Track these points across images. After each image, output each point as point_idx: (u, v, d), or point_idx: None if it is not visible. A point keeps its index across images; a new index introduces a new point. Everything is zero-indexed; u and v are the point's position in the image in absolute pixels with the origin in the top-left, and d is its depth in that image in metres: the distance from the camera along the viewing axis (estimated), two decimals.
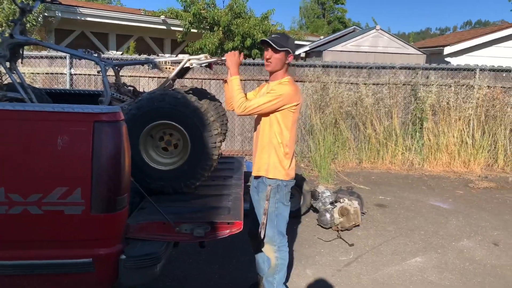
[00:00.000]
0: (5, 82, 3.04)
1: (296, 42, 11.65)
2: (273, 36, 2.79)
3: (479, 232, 4.79)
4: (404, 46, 10.45)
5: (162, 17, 10.38)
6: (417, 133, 7.74)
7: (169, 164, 2.65)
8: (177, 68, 3.05)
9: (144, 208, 2.53)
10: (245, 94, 2.89)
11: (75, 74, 7.36)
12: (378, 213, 5.35)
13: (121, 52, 9.55)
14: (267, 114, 2.74)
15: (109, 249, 2.07)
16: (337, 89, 7.67)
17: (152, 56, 2.93)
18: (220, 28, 9.11)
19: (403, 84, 7.81)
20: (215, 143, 2.60)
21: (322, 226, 4.78)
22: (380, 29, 10.36)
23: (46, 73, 7.27)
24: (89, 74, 7.37)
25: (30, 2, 2.87)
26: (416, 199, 5.98)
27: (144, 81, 7.33)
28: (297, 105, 2.75)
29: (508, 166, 7.58)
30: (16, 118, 1.90)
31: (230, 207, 2.59)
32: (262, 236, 2.82)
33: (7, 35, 2.81)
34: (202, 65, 3.08)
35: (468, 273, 3.82)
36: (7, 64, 2.82)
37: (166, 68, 3.13)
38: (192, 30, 9.68)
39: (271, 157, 2.79)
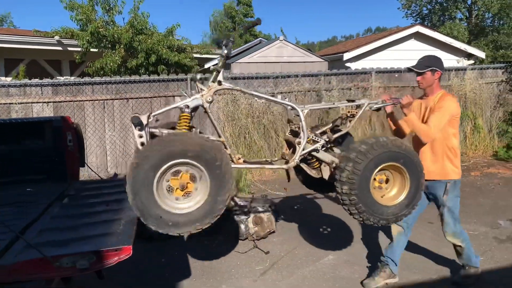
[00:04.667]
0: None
1: (205, 56, 11.61)
2: (418, 61, 3.33)
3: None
4: (307, 55, 10.93)
5: (57, 37, 9.71)
6: None
7: (393, 199, 2.86)
8: (360, 111, 3.12)
9: (18, 246, 2.23)
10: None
11: None
12: (294, 217, 5.41)
13: (10, 78, 8.72)
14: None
15: None
16: (247, 100, 7.73)
17: (339, 103, 3.11)
18: (122, 46, 8.75)
19: (308, 91, 8.11)
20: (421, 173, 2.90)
21: (238, 238, 4.70)
22: (284, 39, 10.74)
23: None
24: None
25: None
26: (331, 200, 6.16)
27: (38, 107, 6.75)
28: (458, 114, 3.31)
29: None
30: None
31: (119, 232, 2.40)
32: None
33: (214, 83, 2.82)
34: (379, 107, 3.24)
35: (375, 261, 3.96)
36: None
37: (349, 112, 3.17)
38: (91, 50, 9.18)
39: (445, 161, 3.30)
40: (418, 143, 3.34)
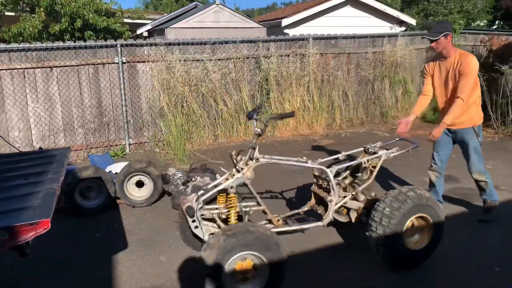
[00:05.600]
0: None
1: (138, 21, 10.97)
2: (430, 30, 3.82)
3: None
4: (245, 21, 10.69)
5: None
6: (265, 103, 8.04)
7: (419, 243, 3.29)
8: (379, 163, 3.53)
9: None
10: (427, 90, 4.08)
11: None
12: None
13: None
14: None
15: None
16: (183, 67, 7.43)
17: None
18: (42, 9, 7.96)
19: (247, 58, 7.96)
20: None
21: (177, 209, 4.58)
22: (220, 4, 10.38)
23: None
24: None
25: None
26: (269, 164, 6.18)
27: None
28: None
29: (344, 123, 8.45)
30: None
31: (37, 205, 2.20)
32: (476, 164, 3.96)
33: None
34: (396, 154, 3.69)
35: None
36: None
37: (370, 164, 3.58)
38: (7, 13, 8.27)
39: (471, 111, 3.83)
40: (450, 102, 3.84)
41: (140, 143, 7.34)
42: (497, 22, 23.57)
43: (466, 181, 5.19)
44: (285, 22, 11.33)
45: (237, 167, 3.18)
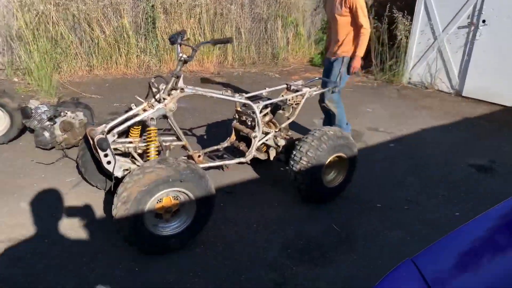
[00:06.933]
0: None
1: None
2: None
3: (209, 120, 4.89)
4: None
5: None
6: (150, 33, 7.20)
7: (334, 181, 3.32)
8: (302, 101, 3.48)
9: None
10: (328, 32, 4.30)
11: None
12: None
13: None
14: (348, 16, 3.81)
15: None
16: None
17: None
18: None
19: None
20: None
21: (42, 148, 3.83)
22: None
23: None
24: None
25: None
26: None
27: None
28: None
29: (236, 62, 8.09)
30: None
31: None
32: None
33: None
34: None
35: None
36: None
37: (292, 103, 3.50)
38: None
39: (351, 42, 3.89)
40: (335, 32, 3.99)
41: None
42: None
43: None
44: None
45: (156, 97, 2.79)
